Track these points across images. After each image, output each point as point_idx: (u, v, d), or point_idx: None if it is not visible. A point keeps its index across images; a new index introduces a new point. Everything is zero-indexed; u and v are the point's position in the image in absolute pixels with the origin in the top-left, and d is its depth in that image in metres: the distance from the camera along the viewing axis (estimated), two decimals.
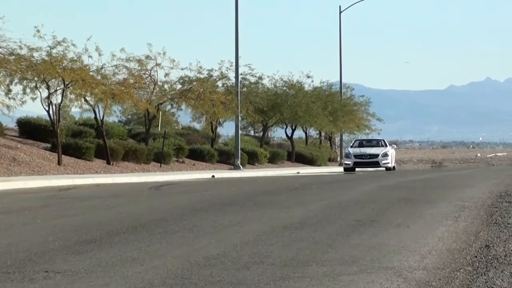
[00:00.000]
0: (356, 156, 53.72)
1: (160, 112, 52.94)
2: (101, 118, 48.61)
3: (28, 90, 43.54)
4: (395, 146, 61.53)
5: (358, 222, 19.41)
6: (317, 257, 13.36)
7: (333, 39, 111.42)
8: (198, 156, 58.16)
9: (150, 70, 53.39)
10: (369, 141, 62.41)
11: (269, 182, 41.72)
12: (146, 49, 53.55)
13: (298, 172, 58.56)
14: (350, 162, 53.96)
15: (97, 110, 48.91)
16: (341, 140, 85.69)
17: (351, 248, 14.74)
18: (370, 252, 14.23)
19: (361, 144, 59.72)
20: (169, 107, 58.48)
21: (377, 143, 59.55)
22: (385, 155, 53.76)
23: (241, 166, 55.96)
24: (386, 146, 57.43)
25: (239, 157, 56.59)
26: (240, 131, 60.32)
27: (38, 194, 29.34)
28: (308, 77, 78.15)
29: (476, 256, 14.07)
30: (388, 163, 53.49)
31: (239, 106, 57.69)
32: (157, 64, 53.42)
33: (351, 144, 61.97)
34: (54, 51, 43.73)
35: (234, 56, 57.99)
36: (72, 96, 46.53)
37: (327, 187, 34.32)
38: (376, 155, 53.60)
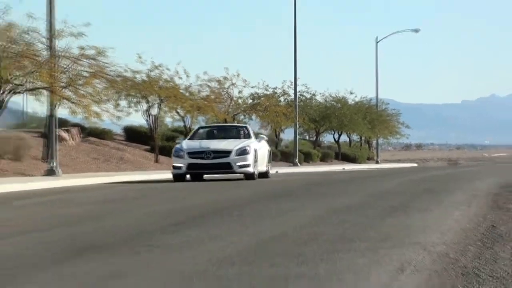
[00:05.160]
0: (191, 154, 25.46)
1: (236, 122, 53.89)
2: (189, 125, 51.32)
3: (132, 104, 46.12)
4: (265, 137, 29.52)
5: (392, 208, 19.33)
6: (360, 235, 13.33)
7: (371, 62, 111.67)
8: None
9: (227, 88, 56.35)
10: (223, 128, 30.24)
11: (321, 176, 41.67)
12: (224, 71, 57.77)
13: (344, 168, 58.57)
14: (182, 165, 25.67)
15: (186, 120, 52.02)
16: (377, 143, 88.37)
17: (386, 228, 14.78)
18: (401, 231, 14.24)
19: (210, 133, 28.58)
20: (242, 117, 58.14)
21: (236, 132, 28.83)
22: (243, 152, 25.36)
23: (298, 164, 57.38)
24: (249, 137, 27.59)
25: (297, 156, 57.97)
26: (297, 136, 60.01)
27: (138, 186, 29.03)
28: (351, 93, 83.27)
29: (484, 234, 14.16)
30: (248, 165, 25.31)
31: (297, 117, 58.39)
32: (232, 84, 56.51)
33: (192, 133, 30.02)
34: (152, 73, 46.75)
35: (293, 77, 59.51)
36: (166, 108, 48.98)
37: (367, 180, 34.16)
38: (227, 153, 25.33)
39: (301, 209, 18.92)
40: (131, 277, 9.52)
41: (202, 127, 31.03)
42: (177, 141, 29.29)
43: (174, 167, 25.47)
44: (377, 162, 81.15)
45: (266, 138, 29.77)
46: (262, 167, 26.97)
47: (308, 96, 71.45)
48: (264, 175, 27.11)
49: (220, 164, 24.61)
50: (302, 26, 63.27)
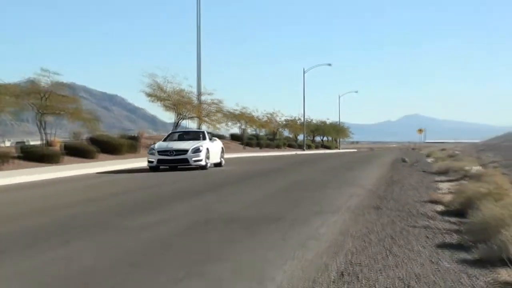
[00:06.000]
0: (160, 152, 30.82)
1: (278, 133, 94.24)
2: (257, 133, 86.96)
3: (232, 124, 78.84)
4: (216, 139, 34.35)
5: (347, 169, 27.43)
6: (331, 182, 20.16)
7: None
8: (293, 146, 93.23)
9: (274, 116, 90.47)
10: (187, 133, 36.39)
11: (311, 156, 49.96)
12: (271, 108, 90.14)
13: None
14: (153, 160, 30.90)
15: (256, 130, 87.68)
16: (339, 140, 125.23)
17: (345, 178, 22.17)
18: (352, 179, 21.53)
19: (180, 136, 34.63)
20: (281, 130, 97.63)
21: (196, 135, 34.50)
22: (197, 150, 30.78)
23: (305, 150, 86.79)
24: (204, 139, 33.08)
25: (305, 146, 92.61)
26: (305, 138, 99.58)
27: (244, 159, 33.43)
28: (328, 118, 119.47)
29: (388, 181, 21.58)
30: (201, 160, 30.69)
31: (305, 129, 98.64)
32: (276, 115, 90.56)
33: (165, 137, 35.92)
34: (242, 110, 79.38)
35: (303, 110, 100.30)
36: (248, 126, 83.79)
37: (334, 155, 42.46)
38: (185, 151, 30.73)
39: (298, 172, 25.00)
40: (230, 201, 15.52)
41: (174, 132, 38.24)
42: (152, 145, 33.22)
43: (149, 161, 30.68)
44: (337, 148, 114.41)
45: (217, 139, 35.29)
46: (216, 159, 33.29)
47: (309, 120, 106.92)
48: (218, 165, 33.52)
49: (180, 159, 30.45)
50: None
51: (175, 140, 33.16)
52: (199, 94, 57.71)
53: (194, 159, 30.47)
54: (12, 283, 7.17)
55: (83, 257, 8.41)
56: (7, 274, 7.57)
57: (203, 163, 30.65)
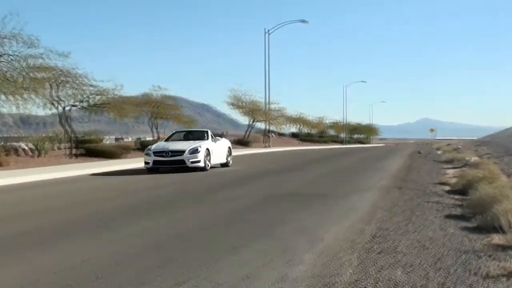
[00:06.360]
0: (156, 153, 22.89)
1: (325, 133, 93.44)
2: (310, 131, 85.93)
3: (291, 124, 77.79)
4: (222, 139, 25.81)
5: (375, 159, 26.76)
6: (363, 168, 20.24)
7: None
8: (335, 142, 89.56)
9: (323, 120, 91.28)
10: (191, 132, 26.63)
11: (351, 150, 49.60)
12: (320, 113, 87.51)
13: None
14: (149, 161, 22.82)
15: (310, 130, 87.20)
16: (370, 138, 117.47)
17: (375, 165, 21.83)
18: (380, 167, 21.31)
19: (185, 136, 25.67)
20: (329, 130, 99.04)
21: (200, 135, 25.51)
22: (195, 151, 22.70)
23: (345, 144, 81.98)
24: (207, 139, 24.54)
25: (345, 141, 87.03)
26: (345, 136, 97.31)
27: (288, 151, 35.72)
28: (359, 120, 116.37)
29: (407, 167, 21.20)
30: (199, 161, 22.55)
31: (345, 129, 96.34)
32: (325, 118, 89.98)
33: (168, 136, 26.70)
34: (296, 114, 78.58)
35: (344, 115, 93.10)
36: (304, 126, 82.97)
37: (356, 152, 42.22)
38: (181, 152, 22.72)
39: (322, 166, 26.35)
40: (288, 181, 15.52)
41: (177, 131, 27.17)
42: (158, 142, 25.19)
43: (145, 163, 22.19)
44: (369, 143, 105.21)
45: (224, 139, 25.84)
46: (221, 159, 24.00)
47: (348, 122, 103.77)
48: (224, 165, 24.28)
49: (176, 160, 21.81)
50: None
51: (177, 140, 24.09)
52: (268, 103, 58.63)
53: (191, 160, 21.82)
54: (130, 240, 7.24)
55: (190, 219, 8.48)
56: (124, 235, 7.65)
57: (201, 164, 21.89)
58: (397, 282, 4.74)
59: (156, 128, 42.70)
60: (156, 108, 41.95)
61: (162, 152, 21.86)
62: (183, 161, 21.59)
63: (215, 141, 23.69)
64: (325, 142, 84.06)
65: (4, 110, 25.94)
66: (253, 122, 58.33)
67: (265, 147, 55.46)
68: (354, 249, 6.11)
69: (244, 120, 64.01)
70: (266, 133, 61.18)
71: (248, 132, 58.49)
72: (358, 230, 7.39)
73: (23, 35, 22.80)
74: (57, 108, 29.15)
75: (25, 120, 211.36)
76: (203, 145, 22.28)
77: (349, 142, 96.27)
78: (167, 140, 24.41)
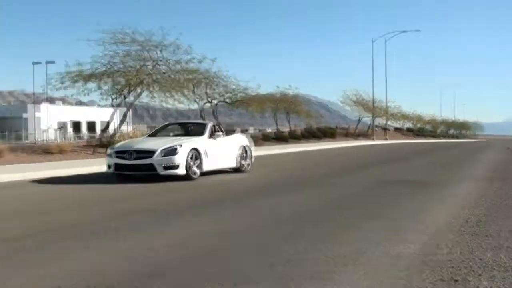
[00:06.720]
0: (118, 154, 11.77)
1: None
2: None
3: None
4: (232, 135, 14.70)
5: (469, 153, 25.67)
6: (456, 162, 18.63)
7: None
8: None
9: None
10: (185, 124, 14.88)
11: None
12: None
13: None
14: (110, 164, 11.98)
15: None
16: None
17: (468, 158, 20.70)
18: (478, 159, 20.09)
19: (181, 129, 14.65)
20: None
21: (198, 128, 13.82)
22: (170, 152, 11.57)
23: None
24: (201, 134, 13.22)
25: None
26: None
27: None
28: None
29: (504, 163, 19.00)
30: (176, 166, 11.47)
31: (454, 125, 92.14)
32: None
33: (156, 129, 15.45)
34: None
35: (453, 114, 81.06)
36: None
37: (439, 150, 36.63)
38: (150, 153, 11.56)
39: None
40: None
41: (171, 123, 16.76)
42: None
43: (107, 166, 12.76)
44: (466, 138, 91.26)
45: (236, 134, 16.04)
46: (228, 163, 14.30)
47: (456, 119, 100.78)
48: (236, 170, 14.49)
49: (142, 165, 12.21)
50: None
51: (164, 136, 14.25)
52: (386, 101, 60.27)
53: (164, 165, 12.14)
54: (258, 212, 7.19)
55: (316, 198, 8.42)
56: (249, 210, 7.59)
57: (180, 171, 12.20)
58: (500, 264, 4.56)
59: (288, 122, 44.51)
60: (289, 104, 43.08)
61: (124, 152, 12.46)
62: (151, 166, 12.17)
63: (215, 138, 13.85)
64: (437, 136, 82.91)
65: (169, 106, 26.85)
66: (372, 117, 57.96)
67: (385, 139, 55.32)
68: (460, 232, 5.81)
69: (353, 115, 64.72)
70: (385, 127, 63.02)
71: (356, 126, 60.09)
72: (455, 213, 7.14)
73: (180, 43, 23.18)
74: (198, 103, 29.93)
75: (167, 115, 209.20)
76: (186, 144, 12.63)
77: (452, 137, 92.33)
78: (152, 134, 14.84)
